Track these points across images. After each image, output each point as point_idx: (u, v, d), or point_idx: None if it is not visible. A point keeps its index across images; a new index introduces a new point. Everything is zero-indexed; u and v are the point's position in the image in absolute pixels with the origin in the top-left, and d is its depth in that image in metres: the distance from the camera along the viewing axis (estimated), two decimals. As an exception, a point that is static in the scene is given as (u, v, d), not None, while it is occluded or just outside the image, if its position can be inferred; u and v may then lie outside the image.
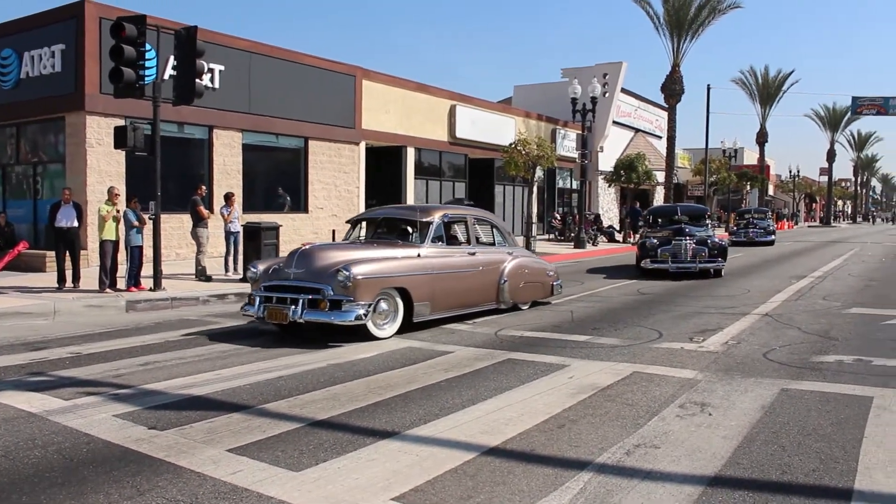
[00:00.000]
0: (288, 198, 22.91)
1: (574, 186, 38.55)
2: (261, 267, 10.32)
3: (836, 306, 12.97)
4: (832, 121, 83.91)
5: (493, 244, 12.48)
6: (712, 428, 5.84)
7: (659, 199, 46.52)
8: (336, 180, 24.33)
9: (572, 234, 30.21)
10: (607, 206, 42.94)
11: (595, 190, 40.92)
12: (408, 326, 10.19)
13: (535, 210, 27.32)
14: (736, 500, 4.44)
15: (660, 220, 20.80)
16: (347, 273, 9.15)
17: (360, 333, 9.54)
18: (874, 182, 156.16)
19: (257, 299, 9.83)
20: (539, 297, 13.00)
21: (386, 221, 11.90)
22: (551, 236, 34.13)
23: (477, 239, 11.98)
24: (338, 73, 24.22)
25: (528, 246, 24.34)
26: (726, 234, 35.39)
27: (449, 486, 4.64)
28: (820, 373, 7.81)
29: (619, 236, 34.64)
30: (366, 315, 9.30)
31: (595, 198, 41.10)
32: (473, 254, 11.42)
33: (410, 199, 27.18)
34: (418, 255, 10.38)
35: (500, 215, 33.42)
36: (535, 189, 27.56)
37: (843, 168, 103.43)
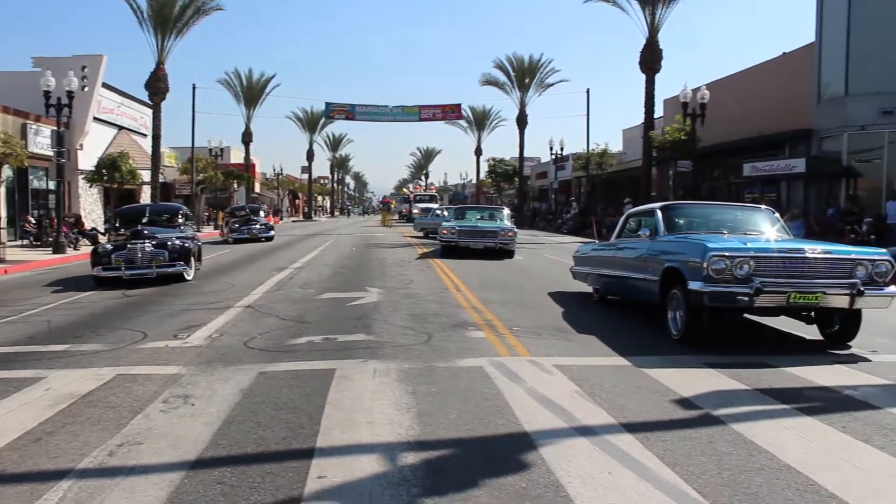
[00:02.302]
0: None
1: (51, 187, 35.75)
2: None
3: (311, 293, 14.34)
4: (310, 123, 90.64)
5: None
6: (195, 417, 6.15)
7: (146, 198, 45.45)
8: None
9: (50, 239, 28.07)
10: (90, 207, 40.64)
11: (75, 190, 38.43)
12: None
13: (4, 213, 24.75)
14: (216, 476, 4.83)
15: (133, 222, 19.18)
16: None
17: None
18: (348, 179, 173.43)
19: None
20: None
21: None
22: (26, 242, 31.26)
23: None
24: None
25: (-4, 254, 22.01)
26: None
27: None
28: (293, 354, 8.68)
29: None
30: None
31: (76, 199, 38.61)
32: None
33: None
34: None
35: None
36: (3, 190, 24.96)
37: (322, 166, 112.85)
